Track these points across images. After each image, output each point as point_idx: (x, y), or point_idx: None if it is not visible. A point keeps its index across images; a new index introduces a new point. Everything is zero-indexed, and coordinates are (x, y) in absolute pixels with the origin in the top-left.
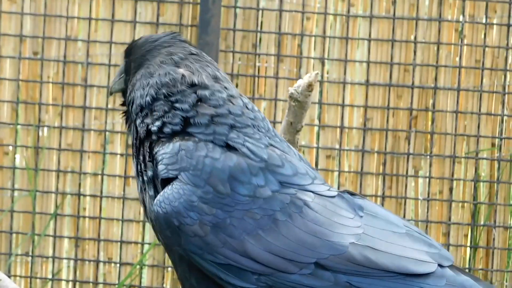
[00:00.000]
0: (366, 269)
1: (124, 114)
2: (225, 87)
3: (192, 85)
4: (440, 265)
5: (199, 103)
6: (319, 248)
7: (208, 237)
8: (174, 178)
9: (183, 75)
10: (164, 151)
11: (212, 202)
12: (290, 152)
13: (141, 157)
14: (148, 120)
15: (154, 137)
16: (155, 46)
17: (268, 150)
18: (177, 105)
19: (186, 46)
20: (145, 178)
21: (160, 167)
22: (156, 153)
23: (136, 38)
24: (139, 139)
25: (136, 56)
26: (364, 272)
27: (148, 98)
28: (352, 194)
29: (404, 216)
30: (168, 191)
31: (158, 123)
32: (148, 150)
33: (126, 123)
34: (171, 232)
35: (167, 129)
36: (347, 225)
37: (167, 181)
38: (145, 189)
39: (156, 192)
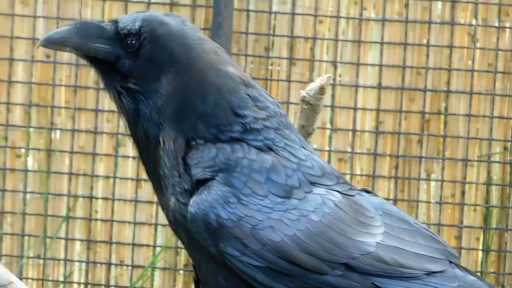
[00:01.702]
0: (392, 268)
1: (121, 88)
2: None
3: (246, 86)
4: (450, 262)
5: (254, 107)
6: (350, 248)
7: (248, 240)
8: (210, 179)
9: (239, 77)
10: (200, 155)
11: (251, 204)
12: (313, 151)
13: (175, 172)
14: (195, 131)
15: (193, 143)
16: (190, 42)
17: (303, 151)
18: (239, 111)
19: (207, 37)
20: (179, 190)
21: (196, 170)
22: (189, 157)
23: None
24: (170, 152)
25: (160, 48)
26: (389, 272)
27: (211, 105)
28: (367, 192)
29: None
30: (206, 192)
31: (214, 131)
32: (182, 163)
33: (123, 101)
34: (209, 234)
35: (224, 137)
36: (372, 224)
37: (202, 182)
38: (176, 197)
39: (191, 196)
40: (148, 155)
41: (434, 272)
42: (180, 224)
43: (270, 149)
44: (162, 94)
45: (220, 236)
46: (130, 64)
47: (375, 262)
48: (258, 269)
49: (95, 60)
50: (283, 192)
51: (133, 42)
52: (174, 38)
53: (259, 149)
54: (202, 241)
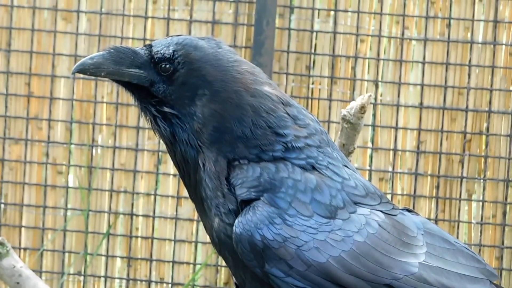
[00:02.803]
0: None
1: (156, 112)
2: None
3: (285, 105)
4: (490, 282)
5: (294, 125)
6: (394, 268)
7: (293, 261)
8: (255, 199)
9: (277, 96)
10: (244, 174)
11: (296, 225)
12: (354, 169)
13: (219, 193)
14: (235, 152)
15: (235, 163)
16: (224, 64)
17: (346, 170)
18: (279, 130)
19: (242, 59)
20: (223, 210)
21: (241, 190)
22: (233, 177)
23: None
24: (212, 173)
25: (194, 72)
26: None
27: (249, 126)
28: (409, 211)
29: None
30: (251, 213)
31: (255, 151)
32: (226, 183)
33: (159, 125)
34: (255, 255)
35: (266, 156)
36: (415, 244)
37: (247, 203)
38: (220, 218)
39: (236, 216)
40: (189, 177)
41: None
42: (225, 245)
43: (314, 168)
44: (198, 117)
45: (265, 257)
46: (165, 88)
47: (418, 282)
48: None
49: (129, 85)
50: (327, 212)
51: (167, 66)
52: (208, 61)
53: (302, 168)
54: (247, 261)
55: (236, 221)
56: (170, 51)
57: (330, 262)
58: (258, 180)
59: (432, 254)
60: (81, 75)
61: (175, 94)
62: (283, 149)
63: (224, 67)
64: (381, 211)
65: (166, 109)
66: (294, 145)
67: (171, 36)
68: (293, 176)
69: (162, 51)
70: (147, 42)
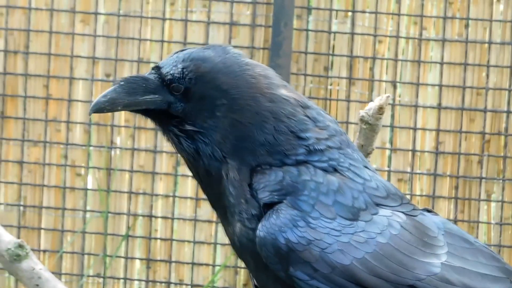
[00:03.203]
0: None
1: (180, 133)
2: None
3: (303, 107)
4: (510, 281)
5: (314, 127)
6: (417, 269)
7: (317, 263)
8: (278, 202)
9: (295, 99)
10: (266, 179)
11: (320, 227)
12: (374, 170)
13: (242, 200)
14: (258, 159)
15: (258, 168)
16: (236, 70)
17: (367, 171)
18: (301, 134)
19: (253, 61)
20: (246, 216)
21: (263, 194)
22: (255, 182)
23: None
24: (235, 182)
25: (207, 84)
26: None
27: (271, 132)
28: (429, 211)
29: None
30: (274, 216)
31: (279, 156)
32: (248, 189)
33: (181, 143)
34: (279, 258)
35: (289, 161)
36: (436, 244)
37: (269, 206)
38: (242, 223)
39: (259, 221)
40: (212, 188)
41: None
42: (247, 249)
43: (335, 170)
44: (219, 128)
45: (289, 260)
46: (183, 106)
47: (441, 283)
48: None
49: (148, 112)
50: (350, 214)
51: (180, 85)
52: (219, 70)
53: (324, 170)
54: (271, 265)
55: (260, 224)
56: (179, 69)
57: (354, 264)
58: (281, 184)
59: (453, 254)
60: (99, 77)
61: (194, 110)
62: (305, 152)
63: (236, 72)
64: (402, 212)
65: (188, 127)
66: (316, 147)
67: (176, 52)
68: (315, 179)
69: (171, 72)
70: (165, 44)
